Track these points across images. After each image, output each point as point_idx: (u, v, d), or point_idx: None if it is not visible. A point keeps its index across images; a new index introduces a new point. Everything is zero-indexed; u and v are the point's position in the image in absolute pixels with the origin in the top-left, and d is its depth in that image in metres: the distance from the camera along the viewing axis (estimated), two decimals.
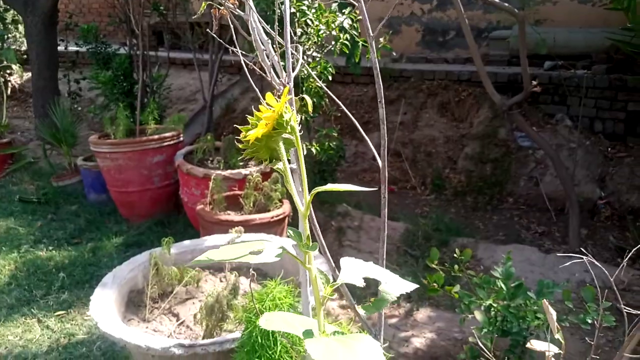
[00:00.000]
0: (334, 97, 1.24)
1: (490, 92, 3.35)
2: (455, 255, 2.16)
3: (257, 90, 1.21)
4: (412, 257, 3.27)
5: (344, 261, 0.72)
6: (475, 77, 4.52)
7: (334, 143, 3.37)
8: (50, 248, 3.17)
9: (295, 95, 1.06)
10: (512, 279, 2.03)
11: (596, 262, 1.19)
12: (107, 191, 3.61)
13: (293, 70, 0.97)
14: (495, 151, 4.44)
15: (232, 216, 2.72)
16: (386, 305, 0.68)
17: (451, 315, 2.70)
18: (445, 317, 2.70)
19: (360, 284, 0.68)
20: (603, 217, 3.88)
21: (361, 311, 0.70)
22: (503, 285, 1.99)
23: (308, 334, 0.65)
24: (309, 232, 0.68)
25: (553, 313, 1.22)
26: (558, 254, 3.18)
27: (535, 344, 1.15)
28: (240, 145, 0.67)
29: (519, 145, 4.44)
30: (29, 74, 4.95)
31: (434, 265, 2.12)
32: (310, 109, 1.36)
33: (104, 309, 1.90)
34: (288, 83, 0.96)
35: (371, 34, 1.03)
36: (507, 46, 5.10)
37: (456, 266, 2.11)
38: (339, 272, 0.72)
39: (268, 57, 1.10)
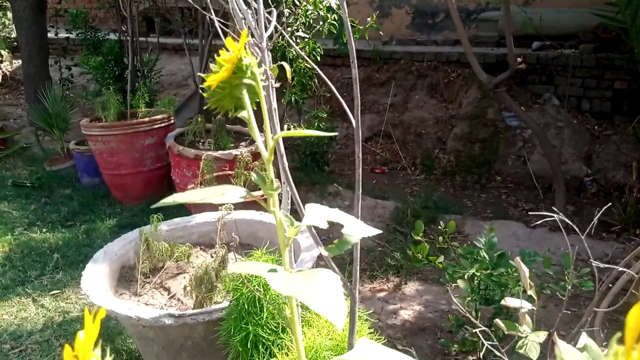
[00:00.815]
0: (324, 77, 1.27)
1: (477, 71, 3.39)
2: (440, 227, 2.22)
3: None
4: (401, 233, 3.33)
5: (309, 207, 0.76)
6: (465, 58, 4.56)
7: (324, 124, 3.41)
8: (44, 230, 3.22)
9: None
10: (495, 249, 2.08)
11: (582, 236, 1.24)
12: (100, 175, 3.65)
13: (266, 30, 1.00)
14: (483, 131, 4.49)
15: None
16: (348, 247, 0.72)
17: (438, 288, 2.76)
18: (433, 290, 2.77)
19: (324, 226, 0.72)
20: (589, 194, 3.95)
21: (324, 252, 0.74)
22: (486, 255, 2.05)
23: (272, 271, 0.69)
24: (272, 176, 0.72)
25: (525, 270, 1.28)
26: (542, 226, 3.24)
27: (509, 301, 1.21)
28: (205, 95, 0.71)
29: (507, 124, 4.49)
30: (20, 61, 4.95)
31: (418, 238, 2.17)
32: (289, 75, 1.40)
33: (95, 282, 1.94)
34: (261, 43, 1.00)
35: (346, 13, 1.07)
36: (496, 27, 5.13)
37: (440, 238, 2.16)
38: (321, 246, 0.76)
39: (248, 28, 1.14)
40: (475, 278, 2.03)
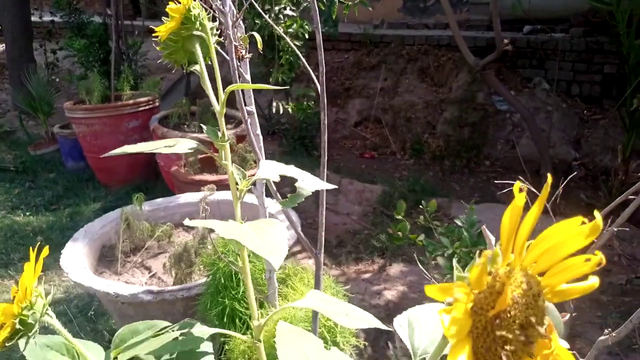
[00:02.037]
0: (302, 59, 1.25)
1: (465, 53, 3.37)
2: (421, 206, 2.21)
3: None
4: (387, 216, 3.32)
5: (263, 162, 0.76)
6: (455, 41, 4.53)
7: (312, 103, 3.38)
8: (28, 214, 3.19)
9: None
10: (475, 227, 2.08)
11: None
12: (85, 158, 3.61)
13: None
14: (473, 115, 4.48)
15: (206, 176, 2.75)
16: (301, 199, 0.71)
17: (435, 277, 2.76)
18: (417, 272, 2.76)
19: (276, 178, 0.71)
20: (577, 177, 3.95)
21: (278, 206, 0.73)
22: (466, 233, 2.04)
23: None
24: (224, 128, 0.71)
25: (492, 238, 1.27)
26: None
27: None
28: (158, 48, 0.70)
29: (496, 109, 4.48)
30: (4, 45, 4.89)
31: (400, 217, 2.16)
32: (260, 46, 1.37)
33: (74, 261, 1.93)
34: (224, 7, 0.97)
35: None
36: (487, 11, 5.10)
37: (422, 217, 2.16)
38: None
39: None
40: (455, 256, 2.02)
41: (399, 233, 2.06)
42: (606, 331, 0.96)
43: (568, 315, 1.04)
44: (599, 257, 0.33)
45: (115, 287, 1.75)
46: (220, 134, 0.71)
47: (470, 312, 0.32)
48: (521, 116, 3.93)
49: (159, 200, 2.43)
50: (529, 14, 4.55)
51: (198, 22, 0.67)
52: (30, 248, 0.52)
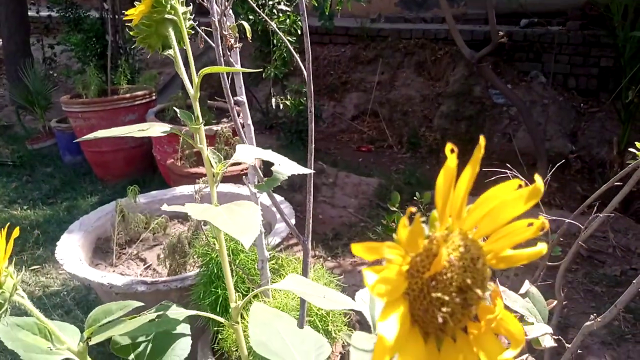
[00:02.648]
0: (292, 50, 1.26)
1: (460, 46, 3.37)
2: (415, 198, 2.22)
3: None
4: (383, 209, 3.33)
5: (239, 146, 0.76)
6: (452, 35, 4.53)
7: (304, 99, 3.38)
8: (25, 207, 3.21)
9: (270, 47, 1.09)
10: None
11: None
12: (82, 153, 3.63)
13: None
14: (470, 109, 4.48)
15: (202, 169, 2.76)
16: (277, 183, 0.72)
17: None
18: None
19: (251, 162, 0.72)
20: (573, 170, 3.96)
21: (254, 189, 0.75)
22: None
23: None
24: (199, 112, 0.71)
25: None
26: None
27: None
28: (131, 33, 0.70)
29: (493, 102, 4.48)
30: (0, 41, 4.89)
31: (394, 208, 2.17)
32: (249, 35, 1.38)
33: (69, 252, 1.95)
34: None
35: None
36: (484, 5, 5.08)
37: (414, 208, 2.17)
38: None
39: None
40: None
41: (393, 224, 2.07)
42: (592, 317, 0.97)
43: (555, 302, 1.05)
44: (541, 221, 0.33)
45: (110, 278, 1.77)
46: (195, 119, 0.73)
47: (406, 275, 0.32)
48: (517, 109, 3.94)
49: (155, 192, 2.44)
50: (525, 8, 4.55)
51: (169, 5, 0.68)
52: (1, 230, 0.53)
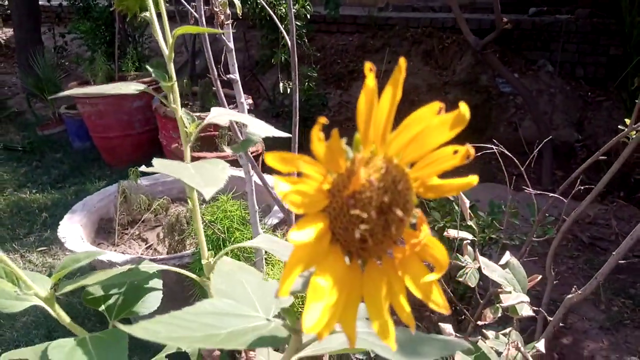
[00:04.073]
0: (281, 27, 1.28)
1: (466, 33, 3.36)
2: None
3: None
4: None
5: (214, 109, 0.78)
6: (458, 23, 4.51)
7: (314, 84, 3.41)
8: (34, 191, 3.27)
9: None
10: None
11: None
12: (91, 139, 3.68)
13: None
14: (476, 97, 4.47)
15: (205, 154, 2.80)
16: (252, 145, 0.75)
17: None
18: None
19: (224, 123, 0.74)
20: (579, 159, 3.94)
21: (229, 150, 0.77)
22: (456, 207, 2.07)
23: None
24: (173, 72, 0.73)
25: (466, 202, 1.30)
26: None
27: (451, 232, 1.23)
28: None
29: (500, 91, 4.46)
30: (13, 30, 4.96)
31: None
32: (239, 11, 1.41)
33: (72, 231, 1.99)
34: None
35: None
36: None
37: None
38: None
39: None
40: (446, 230, 2.05)
41: None
42: (574, 289, 0.99)
43: (539, 277, 1.06)
44: (466, 148, 0.33)
45: (110, 256, 1.81)
46: (168, 78, 0.75)
47: (326, 193, 0.33)
48: (521, 96, 3.92)
49: (157, 175, 2.48)
50: None
51: None
52: None
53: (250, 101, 3.18)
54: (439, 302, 0.34)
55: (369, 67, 0.33)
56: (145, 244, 2.17)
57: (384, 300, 0.33)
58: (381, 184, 0.32)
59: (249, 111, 2.96)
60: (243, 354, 0.68)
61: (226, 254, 0.85)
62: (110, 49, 3.90)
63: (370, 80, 0.33)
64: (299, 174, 0.35)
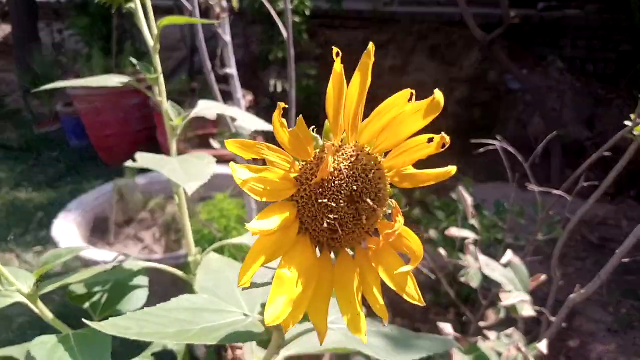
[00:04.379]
0: (278, 21, 1.20)
1: (472, 27, 3.27)
2: None
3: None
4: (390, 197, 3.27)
5: (201, 102, 0.75)
6: (464, 17, 4.42)
7: (313, 82, 3.33)
8: (30, 190, 3.21)
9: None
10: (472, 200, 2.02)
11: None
12: (89, 137, 3.62)
13: None
14: (484, 94, 4.38)
15: (204, 151, 2.72)
16: (240, 138, 0.68)
17: (426, 247, 2.72)
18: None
19: (212, 117, 0.70)
20: (588, 157, 3.85)
21: (216, 145, 0.71)
22: (460, 206, 1.99)
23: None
24: (158, 64, 0.70)
25: (469, 199, 1.22)
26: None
27: (452, 231, 1.15)
28: None
29: (508, 88, 4.38)
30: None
31: (395, 191, 2.12)
32: (235, 5, 1.33)
33: (65, 230, 1.93)
34: None
35: None
36: None
37: (417, 191, 2.11)
38: None
39: None
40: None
41: None
42: (577, 287, 0.92)
43: (543, 277, 0.99)
44: (441, 136, 0.32)
45: (104, 256, 1.75)
46: (153, 71, 0.70)
47: (294, 181, 0.31)
48: (530, 94, 3.83)
49: (154, 173, 2.40)
50: None
51: None
52: None
53: (250, 97, 3.10)
54: (413, 294, 0.34)
55: (336, 52, 0.33)
56: (142, 244, 2.10)
57: (356, 292, 0.32)
58: (351, 173, 0.32)
59: (249, 108, 2.87)
60: (230, 352, 0.64)
61: (222, 252, 0.83)
62: (108, 45, 3.84)
63: (338, 65, 0.33)
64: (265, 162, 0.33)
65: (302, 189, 0.31)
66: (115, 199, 2.13)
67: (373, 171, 0.32)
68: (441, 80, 4.66)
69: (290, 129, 0.31)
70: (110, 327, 0.38)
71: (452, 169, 0.34)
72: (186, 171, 0.60)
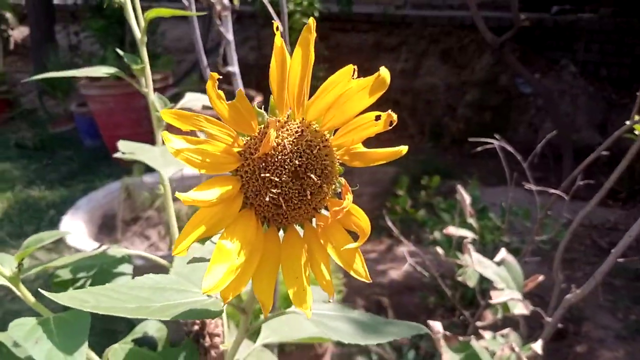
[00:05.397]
0: (277, 21, 1.21)
1: (482, 30, 3.26)
2: (422, 182, 2.15)
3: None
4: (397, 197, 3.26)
5: (188, 94, 0.76)
6: (474, 20, 4.40)
7: (321, 84, 3.34)
8: (43, 188, 3.26)
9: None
10: (478, 203, 2.02)
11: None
12: (102, 136, 3.67)
13: None
14: (495, 98, 4.36)
15: None
16: None
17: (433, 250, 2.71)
18: (427, 253, 2.71)
19: (198, 107, 0.71)
20: (601, 163, 3.80)
21: (203, 136, 0.72)
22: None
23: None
24: (145, 56, 0.71)
25: (467, 198, 1.21)
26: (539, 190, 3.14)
27: (451, 230, 1.15)
28: None
29: (519, 91, 4.34)
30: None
31: (401, 192, 2.11)
32: (236, 2, 1.34)
33: (74, 227, 1.95)
34: None
35: None
36: None
37: (423, 192, 2.10)
38: None
39: None
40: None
41: (397, 207, 2.01)
42: (573, 288, 0.91)
43: (541, 277, 0.98)
44: (387, 113, 0.32)
45: (92, 246, 1.77)
46: (139, 63, 0.72)
47: (237, 155, 0.32)
48: (542, 98, 3.80)
49: None
50: None
51: None
52: None
53: (259, 98, 3.12)
54: (360, 271, 0.34)
55: (276, 26, 0.33)
56: (148, 241, 2.13)
57: (304, 267, 0.33)
58: (295, 148, 0.32)
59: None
60: (207, 338, 0.65)
61: (203, 243, 0.83)
62: (122, 46, 3.88)
63: (278, 40, 0.32)
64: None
65: (246, 164, 0.32)
66: (122, 197, 2.15)
67: (318, 147, 0.32)
68: (452, 83, 4.65)
69: (229, 102, 0.31)
70: (67, 298, 0.38)
71: (403, 149, 0.34)
72: (165, 158, 0.61)
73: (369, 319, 0.44)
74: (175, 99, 2.99)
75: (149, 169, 2.37)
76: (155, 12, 0.69)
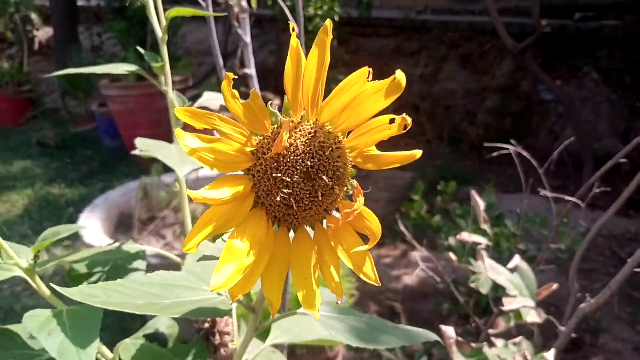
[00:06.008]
0: (294, 23, 1.22)
1: (503, 36, 3.24)
2: (438, 188, 2.14)
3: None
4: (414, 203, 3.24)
5: (206, 93, 0.77)
6: (495, 25, 4.37)
7: None
8: (63, 186, 3.32)
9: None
10: (494, 209, 1.99)
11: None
12: (122, 138, 3.71)
13: None
14: (516, 104, 4.31)
15: None
16: None
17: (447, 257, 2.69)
18: (440, 258, 2.68)
19: (216, 107, 0.71)
20: (623, 172, 3.73)
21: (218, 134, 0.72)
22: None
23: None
24: (165, 54, 0.71)
25: (481, 204, 1.20)
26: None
27: (464, 236, 1.14)
28: None
29: (541, 98, 4.29)
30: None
31: (416, 197, 2.10)
32: (254, 4, 1.35)
33: (91, 225, 1.98)
34: None
35: None
36: None
37: (439, 198, 2.09)
38: None
39: None
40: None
41: (411, 213, 2.00)
42: (587, 297, 0.89)
43: (555, 285, 0.96)
44: (402, 117, 0.32)
45: (105, 242, 1.79)
46: (160, 61, 0.72)
47: (250, 155, 0.32)
48: (560, 102, 3.75)
49: None
50: (580, 0, 4.33)
51: None
52: None
53: (277, 102, 3.13)
54: (370, 274, 0.34)
55: (292, 27, 0.33)
56: (164, 240, 2.14)
57: (313, 269, 0.32)
58: (307, 149, 0.32)
59: None
60: (217, 337, 0.65)
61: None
62: (144, 48, 3.93)
63: (294, 41, 0.32)
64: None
65: (259, 163, 0.32)
66: (139, 197, 2.17)
67: (331, 149, 0.32)
68: (472, 89, 4.61)
69: (244, 101, 0.31)
70: (77, 293, 0.39)
71: (417, 153, 0.34)
72: (182, 156, 0.61)
73: (378, 323, 0.44)
74: (194, 100, 3.03)
75: (167, 170, 2.40)
76: (176, 12, 0.70)
